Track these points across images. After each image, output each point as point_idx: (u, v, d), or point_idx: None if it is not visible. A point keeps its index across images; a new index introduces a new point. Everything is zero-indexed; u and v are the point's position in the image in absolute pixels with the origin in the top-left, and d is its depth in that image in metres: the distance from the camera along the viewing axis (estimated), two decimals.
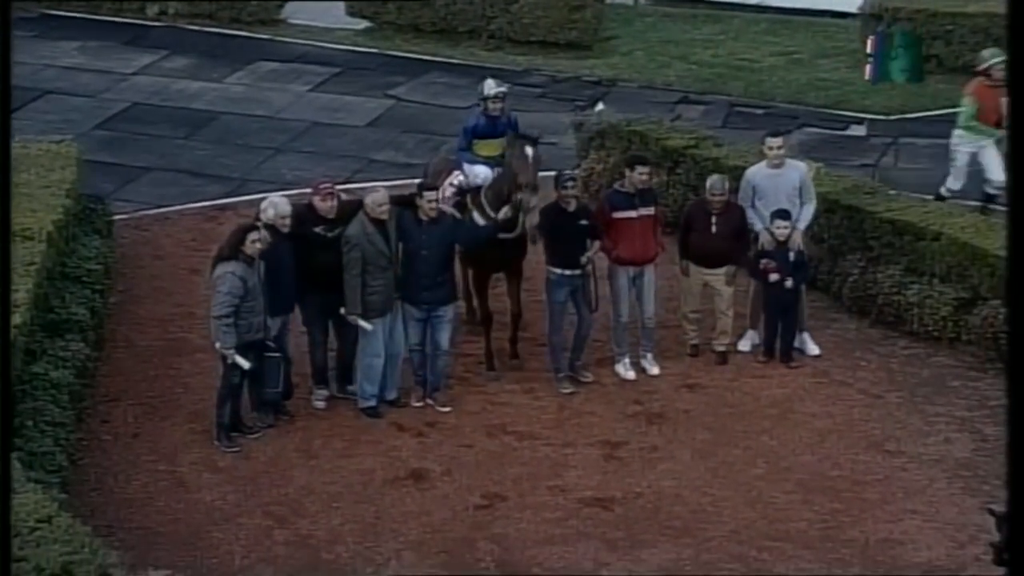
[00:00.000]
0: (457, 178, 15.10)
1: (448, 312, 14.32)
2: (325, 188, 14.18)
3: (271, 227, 13.73)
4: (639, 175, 14.68)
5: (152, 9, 25.02)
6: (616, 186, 15.05)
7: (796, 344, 15.19)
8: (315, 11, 25.07)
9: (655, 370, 14.98)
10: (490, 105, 15.34)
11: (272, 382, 13.72)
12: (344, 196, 14.43)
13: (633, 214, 14.63)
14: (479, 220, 14.70)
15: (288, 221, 13.84)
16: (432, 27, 24.33)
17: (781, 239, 14.91)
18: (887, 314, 15.66)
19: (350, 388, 14.40)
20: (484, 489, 13.20)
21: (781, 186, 15.04)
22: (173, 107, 21.66)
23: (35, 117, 20.64)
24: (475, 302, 15.19)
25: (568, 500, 13.07)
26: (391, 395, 14.28)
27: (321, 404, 14.36)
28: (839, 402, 14.54)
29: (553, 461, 13.63)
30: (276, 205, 13.93)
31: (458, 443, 13.87)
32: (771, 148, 15.11)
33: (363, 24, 24.85)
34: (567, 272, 14.51)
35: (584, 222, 14.57)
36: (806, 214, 15.14)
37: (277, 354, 13.68)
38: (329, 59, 23.57)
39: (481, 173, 15.03)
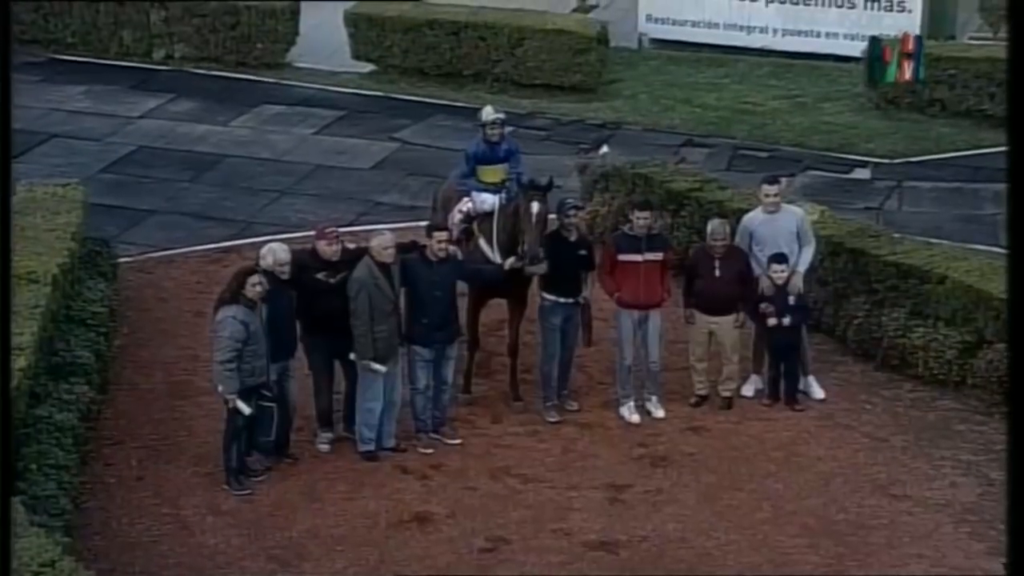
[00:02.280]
0: (466, 205, 15.18)
1: (454, 349, 14.43)
2: (330, 233, 14.19)
3: (270, 274, 13.70)
4: (639, 220, 14.71)
5: (158, 53, 25.12)
6: (625, 229, 15.06)
7: (801, 387, 15.17)
8: (320, 55, 25.15)
9: (660, 413, 14.96)
10: (488, 131, 15.43)
11: (264, 431, 13.63)
12: (348, 242, 14.43)
13: (638, 258, 14.64)
14: (485, 249, 14.78)
15: (287, 268, 13.81)
16: (437, 70, 24.40)
17: (779, 283, 14.92)
18: (892, 357, 15.63)
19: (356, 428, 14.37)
20: (488, 532, 13.16)
21: (779, 231, 15.06)
22: (179, 150, 21.72)
23: (41, 161, 20.70)
24: (465, 323, 14.95)
25: (572, 543, 13.03)
26: (389, 443, 14.24)
27: (325, 447, 14.33)
28: (844, 445, 14.50)
29: (557, 504, 13.59)
30: (274, 252, 13.89)
31: (462, 486, 13.84)
32: (767, 195, 15.15)
33: (368, 67, 24.92)
34: (561, 299, 14.59)
35: (583, 252, 14.68)
36: (805, 257, 15.15)
37: (271, 403, 13.58)
38: (334, 102, 23.64)
39: (488, 200, 15.10)
